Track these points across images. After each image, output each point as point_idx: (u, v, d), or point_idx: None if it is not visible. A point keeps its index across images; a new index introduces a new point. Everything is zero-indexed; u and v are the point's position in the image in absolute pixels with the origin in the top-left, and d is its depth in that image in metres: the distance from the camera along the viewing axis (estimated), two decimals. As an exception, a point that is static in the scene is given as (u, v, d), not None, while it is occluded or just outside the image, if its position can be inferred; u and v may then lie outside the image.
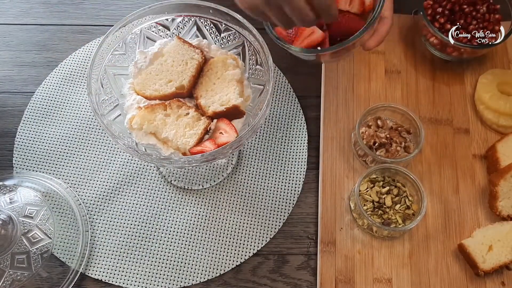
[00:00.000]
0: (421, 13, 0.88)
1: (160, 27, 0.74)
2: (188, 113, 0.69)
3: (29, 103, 0.91)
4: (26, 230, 0.76)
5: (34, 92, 0.91)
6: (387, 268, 0.79)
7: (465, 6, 0.88)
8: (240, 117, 0.71)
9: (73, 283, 0.77)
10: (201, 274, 0.79)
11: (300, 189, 0.85)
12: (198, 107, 0.71)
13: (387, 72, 0.93)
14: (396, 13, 0.87)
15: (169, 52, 0.72)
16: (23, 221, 0.76)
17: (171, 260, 0.80)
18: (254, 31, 0.70)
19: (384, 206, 0.80)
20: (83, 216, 0.81)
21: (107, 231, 0.81)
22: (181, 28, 0.75)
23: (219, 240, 0.81)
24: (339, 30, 0.73)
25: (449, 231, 0.82)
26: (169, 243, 0.81)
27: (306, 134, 0.89)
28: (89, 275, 0.79)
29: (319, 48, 0.72)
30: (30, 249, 0.75)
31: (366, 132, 0.85)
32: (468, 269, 0.79)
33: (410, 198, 0.81)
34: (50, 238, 0.76)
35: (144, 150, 0.69)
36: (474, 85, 0.92)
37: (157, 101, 0.70)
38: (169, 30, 0.75)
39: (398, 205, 0.80)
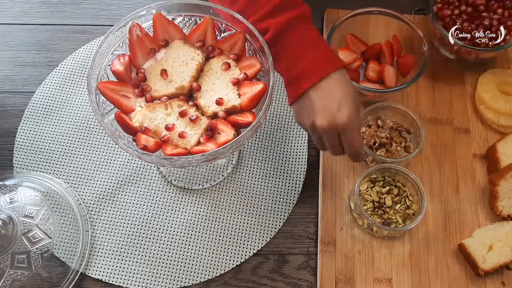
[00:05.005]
0: (436, 22, 0.87)
1: (160, 27, 0.74)
2: (188, 113, 0.69)
3: (29, 103, 0.91)
4: (26, 230, 0.76)
5: (34, 92, 0.92)
6: (387, 268, 0.79)
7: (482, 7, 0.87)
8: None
9: (73, 283, 0.77)
10: (201, 274, 0.79)
11: (300, 189, 0.85)
12: (198, 107, 0.71)
13: (387, 72, 0.93)
14: (396, 13, 0.88)
15: (169, 53, 0.72)
16: (23, 221, 0.76)
17: (171, 260, 0.80)
18: (254, 31, 0.70)
19: (384, 206, 0.80)
20: (83, 216, 0.81)
21: (107, 231, 0.81)
22: (182, 28, 0.75)
23: (219, 240, 0.81)
24: None
25: (449, 231, 0.82)
26: (169, 243, 0.81)
27: (306, 134, 0.89)
28: (89, 275, 0.79)
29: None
30: (30, 249, 0.75)
31: (366, 132, 0.85)
32: (468, 269, 0.79)
33: (410, 198, 0.81)
34: (50, 238, 0.76)
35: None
36: (474, 85, 0.92)
37: (158, 101, 0.70)
38: (169, 30, 0.75)
39: (398, 205, 0.80)
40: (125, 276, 0.79)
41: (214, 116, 0.69)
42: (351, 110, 0.68)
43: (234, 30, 0.73)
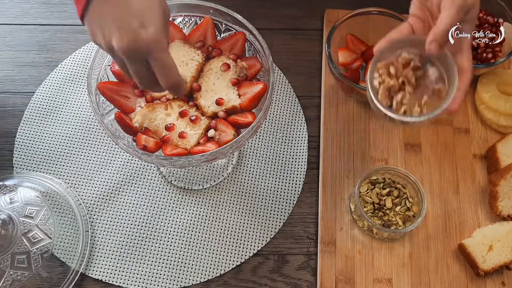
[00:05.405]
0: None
1: (160, 27, 0.74)
2: (188, 113, 0.69)
3: (29, 103, 0.91)
4: (26, 230, 0.76)
5: (34, 92, 0.92)
6: (387, 268, 0.79)
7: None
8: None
9: (73, 283, 0.77)
10: (201, 274, 0.79)
11: (300, 189, 0.85)
12: (198, 107, 0.71)
13: (387, 72, 0.93)
14: (396, 13, 0.88)
15: (169, 52, 0.72)
16: (23, 221, 0.76)
17: (171, 260, 0.80)
18: (254, 31, 0.70)
19: (385, 208, 0.80)
20: (83, 216, 0.81)
21: (107, 231, 0.81)
22: (181, 28, 0.75)
23: (219, 240, 0.81)
24: None
25: (449, 231, 0.82)
26: (169, 243, 0.81)
27: (306, 134, 0.89)
28: (89, 275, 0.79)
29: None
30: (30, 249, 0.75)
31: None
32: (468, 269, 0.79)
33: (410, 199, 0.81)
34: (50, 238, 0.76)
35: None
36: (474, 85, 0.92)
37: (158, 101, 0.70)
38: (169, 30, 0.75)
39: (399, 207, 0.80)
40: (125, 276, 0.79)
41: (214, 116, 0.70)
42: (158, 25, 0.54)
43: (234, 30, 0.73)
